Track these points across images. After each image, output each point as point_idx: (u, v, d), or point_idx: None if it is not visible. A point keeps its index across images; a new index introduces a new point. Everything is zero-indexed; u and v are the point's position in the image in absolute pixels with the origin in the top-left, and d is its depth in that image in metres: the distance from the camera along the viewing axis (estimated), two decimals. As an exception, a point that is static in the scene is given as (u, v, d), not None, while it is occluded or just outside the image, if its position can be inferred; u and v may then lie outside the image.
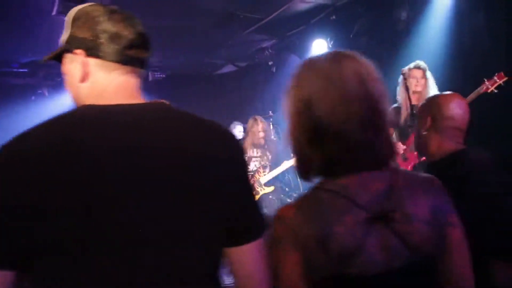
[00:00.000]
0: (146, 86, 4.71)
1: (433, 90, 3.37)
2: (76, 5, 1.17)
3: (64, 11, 4.27)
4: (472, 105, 3.30)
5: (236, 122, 5.78)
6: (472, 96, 3.05)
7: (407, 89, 3.14)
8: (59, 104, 5.48)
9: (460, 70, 4.15)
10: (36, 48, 5.04)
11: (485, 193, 1.42)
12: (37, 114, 5.50)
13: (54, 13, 4.29)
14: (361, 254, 0.86)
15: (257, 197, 4.28)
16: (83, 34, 0.91)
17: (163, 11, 4.74)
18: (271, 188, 4.25)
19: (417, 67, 3.40)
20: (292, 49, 5.79)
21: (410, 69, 3.39)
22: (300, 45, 5.61)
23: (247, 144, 4.31)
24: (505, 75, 3.03)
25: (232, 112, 6.61)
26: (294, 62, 5.94)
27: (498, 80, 3.02)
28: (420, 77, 3.37)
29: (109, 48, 0.91)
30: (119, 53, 0.91)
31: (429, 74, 3.39)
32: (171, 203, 0.82)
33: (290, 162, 4.18)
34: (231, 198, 0.89)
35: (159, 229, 0.80)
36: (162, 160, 0.84)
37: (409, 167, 3.26)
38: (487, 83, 3.04)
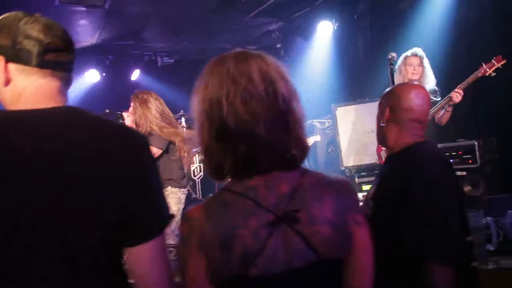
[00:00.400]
0: (156, 72, 4.74)
1: (430, 78, 3.30)
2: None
3: (65, 1, 4.34)
4: (470, 89, 3.22)
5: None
6: (470, 80, 2.99)
7: (391, 75, 3.05)
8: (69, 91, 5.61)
9: (464, 50, 4.01)
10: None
11: (426, 195, 1.40)
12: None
13: (56, 2, 4.36)
14: (263, 255, 0.88)
15: None
16: (3, 41, 0.95)
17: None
18: None
19: (414, 54, 3.32)
20: (298, 31, 5.71)
21: (407, 57, 3.32)
22: (306, 27, 5.53)
23: None
24: (503, 58, 2.92)
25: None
26: (303, 45, 5.86)
27: (496, 63, 2.94)
28: (417, 64, 3.30)
29: (26, 53, 0.94)
30: (37, 57, 0.94)
31: (426, 62, 3.32)
32: (68, 206, 0.85)
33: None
34: (128, 197, 0.91)
35: (56, 230, 0.84)
36: (60, 164, 0.87)
37: None
38: (484, 66, 2.96)
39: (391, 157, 1.61)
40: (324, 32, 5.25)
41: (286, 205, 0.91)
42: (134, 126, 3.28)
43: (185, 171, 3.58)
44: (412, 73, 3.28)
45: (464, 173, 3.75)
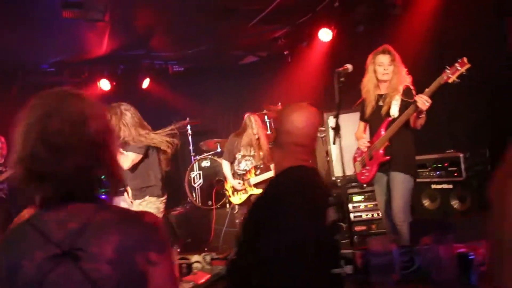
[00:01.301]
0: (167, 79, 4.91)
1: (403, 77, 3.01)
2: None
3: (68, 16, 4.58)
4: (435, 97, 3.06)
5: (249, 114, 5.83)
6: (432, 88, 2.74)
7: (338, 83, 2.82)
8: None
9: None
10: (56, 49, 5.52)
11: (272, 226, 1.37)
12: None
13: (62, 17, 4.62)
14: (43, 287, 0.92)
15: (245, 196, 4.33)
16: None
17: (165, 7, 4.89)
18: (260, 191, 4.27)
19: (384, 52, 3.04)
20: (303, 38, 5.67)
21: (376, 55, 3.06)
22: (309, 33, 5.47)
23: (242, 142, 4.35)
24: (469, 61, 2.65)
25: (254, 102, 6.63)
26: (307, 52, 5.82)
27: (460, 68, 2.63)
28: (387, 63, 3.01)
29: None
30: None
31: (398, 60, 3.02)
32: None
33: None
34: None
35: None
36: None
37: (375, 166, 3.09)
38: (448, 71, 2.68)
39: (271, 180, 1.59)
40: (324, 39, 5.18)
41: (72, 241, 0.94)
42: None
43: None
44: (383, 73, 3.02)
45: (450, 186, 3.59)
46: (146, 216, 1.01)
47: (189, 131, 6.18)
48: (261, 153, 4.21)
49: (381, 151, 3.02)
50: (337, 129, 2.71)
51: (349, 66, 2.81)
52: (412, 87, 3.03)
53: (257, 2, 4.89)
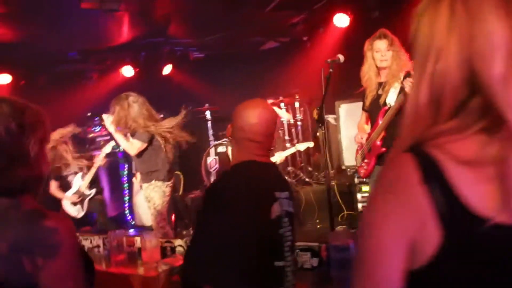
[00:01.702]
0: (188, 66, 5.11)
1: (403, 63, 2.83)
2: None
3: (87, 6, 4.75)
4: None
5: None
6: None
7: (327, 81, 2.77)
8: (105, 86, 6.15)
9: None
10: (80, 38, 5.73)
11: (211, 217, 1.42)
12: (87, 96, 6.29)
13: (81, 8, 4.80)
14: None
15: None
16: None
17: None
18: None
19: (381, 37, 2.88)
20: (319, 24, 5.59)
21: (373, 41, 2.91)
22: (325, 19, 5.39)
23: None
24: None
25: (274, 88, 6.64)
26: (324, 37, 5.74)
27: None
28: (385, 49, 2.86)
29: None
30: None
31: (397, 44, 2.86)
32: None
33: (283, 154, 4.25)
34: None
35: None
36: None
37: (373, 159, 3.03)
38: None
39: (222, 172, 1.64)
40: (340, 24, 5.10)
41: None
42: (114, 126, 3.57)
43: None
44: (381, 60, 2.87)
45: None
46: (50, 219, 1.02)
47: (209, 117, 6.28)
48: None
49: (378, 142, 2.95)
50: (321, 120, 2.66)
51: (340, 57, 2.75)
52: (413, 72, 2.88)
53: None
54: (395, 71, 2.88)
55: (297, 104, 5.70)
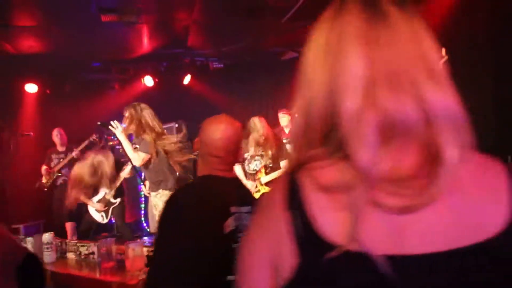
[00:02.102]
0: (207, 76, 5.30)
1: None
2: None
3: (107, 19, 4.96)
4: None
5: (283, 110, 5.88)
6: None
7: None
8: (127, 95, 6.35)
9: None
10: (102, 49, 5.97)
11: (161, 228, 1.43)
12: (109, 105, 6.50)
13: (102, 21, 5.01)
14: None
15: (258, 195, 4.38)
16: None
17: (193, 7, 5.09)
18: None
19: None
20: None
21: None
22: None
23: (249, 143, 4.42)
24: (447, 52, 2.44)
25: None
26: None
27: None
28: None
29: None
30: None
31: None
32: None
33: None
34: None
35: None
36: None
37: None
38: None
39: (184, 185, 1.66)
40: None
41: None
42: (125, 134, 3.69)
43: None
44: None
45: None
46: None
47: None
48: (269, 152, 4.25)
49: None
50: None
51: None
52: None
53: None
54: None
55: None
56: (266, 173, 4.30)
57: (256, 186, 4.37)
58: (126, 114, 3.74)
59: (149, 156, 3.65)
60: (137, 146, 3.71)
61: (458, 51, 3.89)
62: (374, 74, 0.62)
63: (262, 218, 0.70)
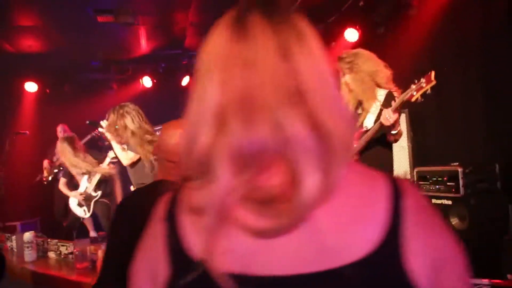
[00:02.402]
0: None
1: (370, 85, 2.78)
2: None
3: (103, 20, 5.01)
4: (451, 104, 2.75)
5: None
6: (397, 103, 2.54)
7: None
8: (125, 95, 6.41)
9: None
10: (100, 49, 6.04)
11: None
12: (107, 105, 6.56)
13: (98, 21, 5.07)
14: None
15: None
16: None
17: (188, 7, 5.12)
18: None
19: (339, 59, 2.87)
20: (332, 38, 5.54)
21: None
22: (336, 33, 5.34)
23: None
24: (436, 77, 2.42)
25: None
26: (338, 52, 5.67)
27: (424, 85, 2.43)
28: (344, 74, 2.85)
29: None
30: None
31: (360, 65, 2.77)
32: None
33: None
34: None
35: None
36: None
37: None
38: (414, 87, 2.48)
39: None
40: (351, 39, 5.03)
41: None
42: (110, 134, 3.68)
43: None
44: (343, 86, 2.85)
45: (449, 202, 3.33)
46: None
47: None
48: None
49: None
50: None
51: None
52: (395, 93, 2.74)
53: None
54: (358, 94, 2.83)
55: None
56: None
57: None
58: (109, 118, 3.64)
59: (138, 156, 3.65)
60: (125, 146, 3.72)
61: (448, 58, 3.88)
62: (228, 101, 0.59)
63: (148, 231, 0.72)
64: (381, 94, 2.81)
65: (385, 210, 0.60)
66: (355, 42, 5.01)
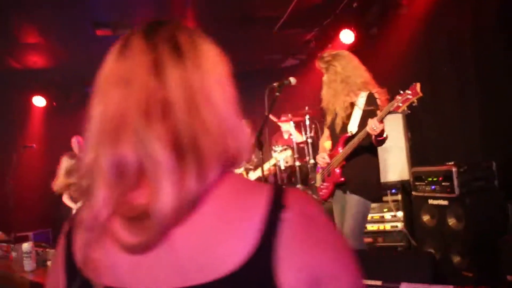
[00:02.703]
0: None
1: (350, 86, 2.78)
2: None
3: (102, 33, 5.12)
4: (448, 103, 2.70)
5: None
6: (383, 114, 2.50)
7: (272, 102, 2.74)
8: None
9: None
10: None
11: None
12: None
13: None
14: None
15: None
16: None
17: (185, 19, 5.18)
18: None
19: (319, 57, 2.94)
20: (328, 40, 5.54)
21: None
22: (332, 35, 5.34)
23: None
24: (422, 90, 2.35)
25: (296, 105, 6.63)
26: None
27: (410, 97, 2.38)
28: (324, 75, 2.92)
29: None
30: None
31: (336, 67, 2.79)
32: None
33: (270, 162, 4.21)
34: None
35: None
36: None
37: (331, 185, 2.94)
38: (399, 97, 2.42)
39: None
40: (346, 41, 5.02)
41: None
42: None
43: None
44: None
45: (446, 202, 3.28)
46: None
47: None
48: (253, 156, 4.33)
49: (337, 171, 2.85)
50: (259, 145, 2.63)
51: (291, 80, 2.75)
52: (376, 94, 2.68)
53: (273, 9, 4.92)
54: (330, 96, 2.86)
55: (308, 122, 5.64)
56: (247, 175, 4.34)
57: None
58: None
59: None
60: None
61: (442, 55, 3.84)
62: (106, 120, 0.62)
63: (57, 246, 0.75)
64: (362, 96, 2.81)
65: (259, 224, 0.59)
66: (351, 44, 5.00)
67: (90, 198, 0.62)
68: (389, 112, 2.50)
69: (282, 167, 5.80)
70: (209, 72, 0.66)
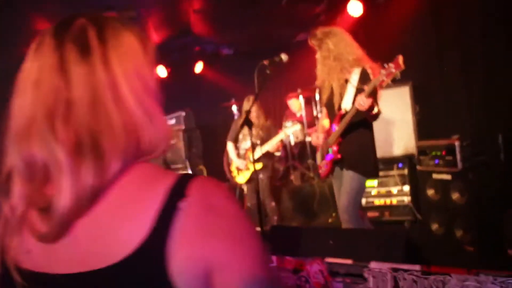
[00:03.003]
0: (219, 63, 5.53)
1: (344, 64, 2.73)
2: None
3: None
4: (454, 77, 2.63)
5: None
6: (369, 88, 2.47)
7: (262, 80, 2.68)
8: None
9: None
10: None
11: None
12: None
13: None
14: None
15: (248, 173, 4.43)
16: None
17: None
18: (260, 165, 4.36)
19: (312, 34, 2.89)
20: (337, 13, 5.40)
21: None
22: (340, 8, 5.20)
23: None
24: (405, 62, 2.30)
25: (307, 80, 6.55)
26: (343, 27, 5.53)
27: (393, 70, 2.33)
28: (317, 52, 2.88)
29: None
30: None
31: (328, 44, 2.74)
32: None
33: (278, 137, 4.22)
34: None
35: None
36: None
37: (330, 162, 2.93)
38: (384, 72, 2.38)
39: None
40: (354, 13, 4.90)
41: None
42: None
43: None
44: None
45: (449, 177, 3.24)
46: None
47: (236, 112, 6.40)
48: (260, 131, 4.33)
49: (334, 148, 2.85)
50: (248, 124, 2.64)
51: (282, 56, 2.72)
52: (369, 70, 2.66)
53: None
54: (324, 73, 2.83)
55: (318, 97, 5.59)
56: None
57: (246, 165, 4.42)
58: None
59: None
60: None
61: (450, 24, 3.71)
62: (21, 119, 0.66)
63: None
64: (356, 72, 2.77)
65: (156, 212, 0.61)
66: (360, 17, 4.88)
67: (9, 193, 0.67)
68: (376, 87, 2.48)
69: (292, 143, 5.81)
70: (119, 67, 0.67)
